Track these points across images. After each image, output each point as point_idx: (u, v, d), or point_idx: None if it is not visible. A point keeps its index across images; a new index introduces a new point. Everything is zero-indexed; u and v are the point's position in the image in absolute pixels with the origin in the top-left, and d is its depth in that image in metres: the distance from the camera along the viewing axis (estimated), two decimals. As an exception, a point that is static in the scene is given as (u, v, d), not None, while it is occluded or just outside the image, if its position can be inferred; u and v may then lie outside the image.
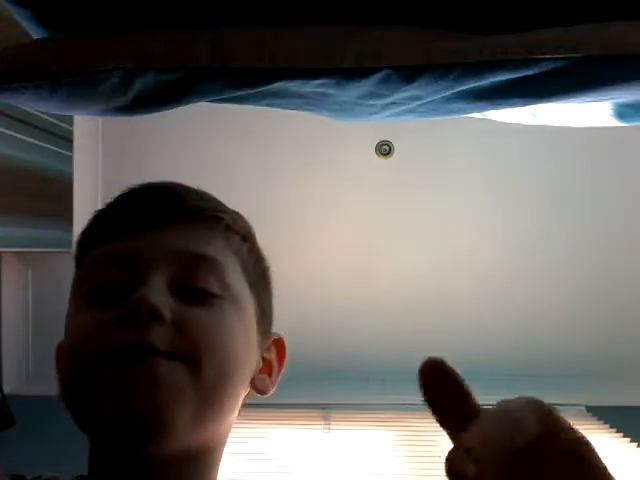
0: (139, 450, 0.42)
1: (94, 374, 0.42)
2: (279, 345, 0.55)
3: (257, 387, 0.51)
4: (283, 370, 0.55)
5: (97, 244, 0.48)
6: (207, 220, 0.50)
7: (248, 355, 0.49)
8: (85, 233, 0.52)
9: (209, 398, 0.43)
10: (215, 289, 0.46)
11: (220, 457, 0.49)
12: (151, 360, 0.41)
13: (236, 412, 0.49)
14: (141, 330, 0.41)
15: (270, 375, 0.53)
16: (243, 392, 0.49)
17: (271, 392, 0.53)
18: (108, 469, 0.46)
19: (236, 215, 0.54)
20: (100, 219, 0.51)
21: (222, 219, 0.51)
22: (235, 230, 0.52)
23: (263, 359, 0.52)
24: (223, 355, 0.45)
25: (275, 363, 0.54)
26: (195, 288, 0.46)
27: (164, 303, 0.43)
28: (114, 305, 0.44)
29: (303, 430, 2.08)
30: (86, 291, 0.47)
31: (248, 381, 0.49)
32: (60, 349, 0.53)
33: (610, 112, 0.86)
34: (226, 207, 0.54)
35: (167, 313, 0.43)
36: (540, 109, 0.91)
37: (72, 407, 0.45)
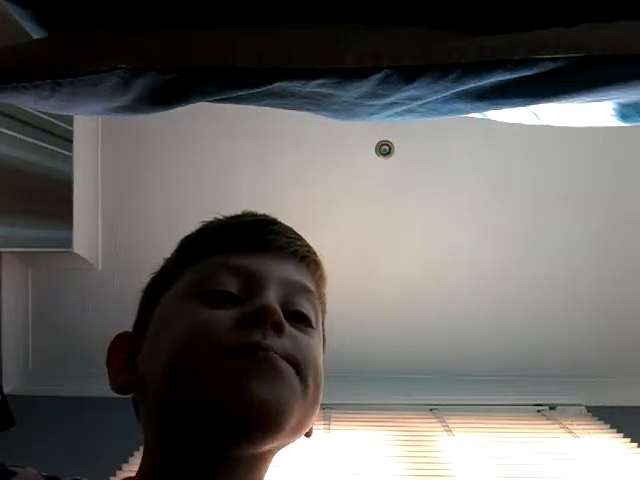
0: (237, 443, 0.44)
1: (214, 364, 0.44)
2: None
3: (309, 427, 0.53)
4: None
5: (216, 251, 0.53)
6: (310, 262, 0.57)
7: (322, 392, 0.52)
8: (199, 238, 0.57)
9: (308, 407, 0.47)
10: (312, 319, 0.52)
11: (265, 473, 0.51)
12: (273, 354, 0.44)
13: None
14: (262, 334, 0.45)
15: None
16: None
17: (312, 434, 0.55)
18: (168, 469, 0.47)
19: (316, 253, 0.60)
20: (217, 231, 0.56)
21: (319, 264, 0.58)
22: (324, 277, 0.59)
23: None
24: (319, 382, 0.49)
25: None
26: (299, 314, 0.50)
27: (283, 318, 0.47)
28: (228, 305, 0.48)
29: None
30: (202, 290, 0.50)
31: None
32: (121, 339, 0.54)
33: (610, 112, 0.86)
34: (310, 245, 0.60)
35: (286, 328, 0.47)
36: (540, 109, 0.91)
37: (170, 397, 0.46)
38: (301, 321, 0.50)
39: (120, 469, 1.75)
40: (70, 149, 2.25)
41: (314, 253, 0.58)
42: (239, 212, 0.58)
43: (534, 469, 1.84)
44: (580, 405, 2.33)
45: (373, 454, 1.93)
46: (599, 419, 2.23)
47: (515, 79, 0.66)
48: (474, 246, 2.58)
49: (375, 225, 2.58)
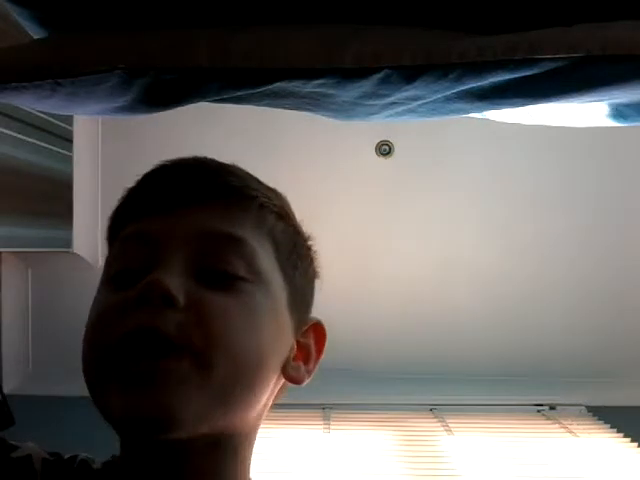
0: (151, 439, 0.41)
1: (102, 362, 0.40)
2: (318, 330, 0.52)
3: (290, 375, 0.48)
4: (322, 357, 0.52)
5: (125, 224, 0.47)
6: (239, 199, 0.47)
7: (277, 344, 0.46)
8: (115, 212, 0.50)
9: (220, 393, 0.41)
10: (242, 272, 0.43)
11: (249, 447, 0.48)
12: (157, 361, 0.39)
13: (264, 400, 0.47)
14: (151, 314, 0.39)
15: (306, 362, 0.50)
16: (268, 381, 0.46)
17: (307, 381, 0.50)
18: (134, 453, 0.45)
19: (270, 192, 0.51)
20: (129, 198, 0.49)
21: (255, 197, 0.48)
22: (269, 209, 0.48)
23: (299, 344, 0.49)
24: (244, 342, 0.42)
25: (313, 349, 0.51)
26: (219, 271, 0.43)
27: (180, 287, 0.40)
28: (129, 287, 0.41)
29: (303, 430, 2.08)
30: (107, 273, 0.45)
31: (277, 370, 0.46)
32: None
33: (610, 112, 0.86)
34: (260, 183, 0.51)
35: (181, 298, 0.40)
36: (540, 109, 0.91)
37: (90, 391, 0.44)
38: (226, 278, 0.43)
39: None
40: (70, 149, 2.25)
41: (247, 186, 0.48)
42: (157, 165, 0.51)
43: (534, 469, 1.84)
44: (580, 405, 2.33)
45: (373, 454, 1.93)
46: (599, 419, 2.23)
47: (515, 79, 0.66)
48: (474, 246, 2.57)
49: (375, 225, 2.58)
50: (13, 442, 0.49)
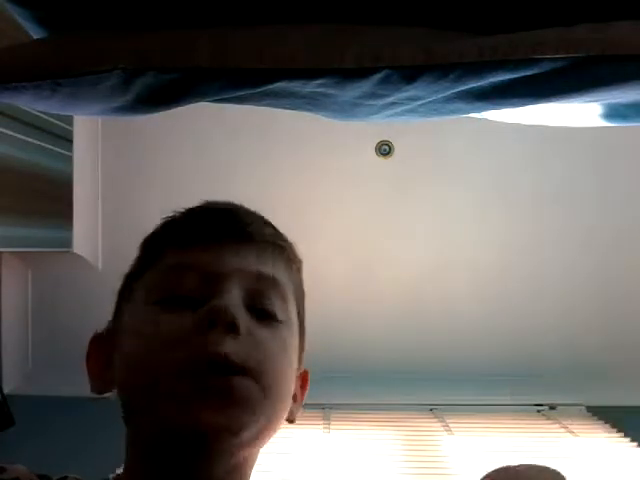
0: (200, 460, 0.43)
1: (170, 379, 0.42)
2: (304, 377, 0.57)
3: (289, 414, 0.52)
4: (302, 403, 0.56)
5: (171, 250, 0.50)
6: (275, 248, 0.52)
7: (293, 380, 0.51)
8: (157, 236, 0.53)
9: (270, 416, 0.45)
10: (279, 314, 0.49)
11: (251, 472, 0.50)
12: (229, 377, 0.42)
13: None
14: (218, 339, 0.43)
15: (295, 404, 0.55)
16: (285, 416, 0.51)
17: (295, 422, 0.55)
18: (149, 473, 0.46)
19: (293, 245, 0.56)
20: (176, 226, 0.52)
21: (285, 248, 0.54)
22: (293, 261, 0.54)
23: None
24: (281, 375, 0.47)
25: (299, 393, 0.55)
26: (265, 309, 0.48)
27: (241, 317, 0.45)
28: (186, 311, 0.45)
29: (303, 430, 2.08)
30: (159, 295, 0.47)
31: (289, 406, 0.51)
32: (98, 340, 0.53)
33: (610, 112, 0.86)
34: (286, 236, 0.56)
35: (243, 327, 0.44)
36: (540, 109, 0.91)
37: (134, 406, 0.45)
38: (267, 315, 0.48)
39: (121, 468, 1.75)
40: (70, 149, 2.25)
41: (281, 239, 0.54)
42: (199, 203, 0.55)
43: (534, 469, 1.83)
44: (580, 405, 2.33)
45: (373, 454, 1.93)
46: (599, 419, 2.23)
47: (515, 79, 0.66)
48: (474, 246, 2.58)
49: (375, 225, 2.58)
50: (1, 464, 0.49)
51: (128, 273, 0.54)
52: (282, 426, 0.50)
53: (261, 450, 0.50)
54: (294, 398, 0.53)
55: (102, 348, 0.51)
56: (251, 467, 0.49)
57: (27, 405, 2.14)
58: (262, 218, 0.54)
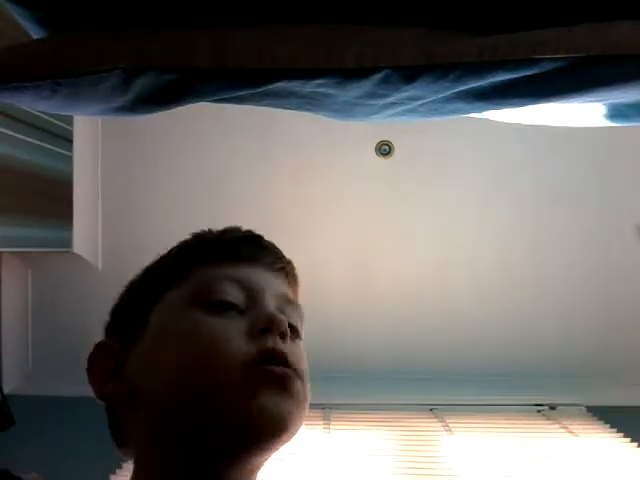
0: (249, 449, 0.47)
1: (235, 373, 0.46)
2: None
3: None
4: None
5: (211, 263, 0.55)
6: (294, 277, 0.61)
7: None
8: (192, 250, 0.58)
9: (303, 411, 0.51)
10: (300, 332, 0.56)
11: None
12: (288, 371, 0.48)
13: None
14: (276, 343, 0.49)
15: None
16: None
17: None
18: (167, 476, 0.47)
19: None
20: (213, 243, 0.58)
21: (298, 281, 0.62)
22: (298, 287, 0.62)
23: None
24: (307, 385, 0.52)
25: None
26: (291, 325, 0.53)
27: (287, 328, 0.51)
28: (234, 315, 0.50)
29: (303, 430, 2.08)
30: (206, 300, 0.51)
31: None
32: (104, 348, 0.53)
33: (610, 112, 0.86)
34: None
35: (290, 336, 0.51)
36: (540, 109, 0.91)
37: (181, 407, 0.46)
38: (292, 332, 0.53)
39: (120, 468, 1.75)
40: (70, 149, 2.25)
41: (292, 266, 0.62)
42: (226, 226, 0.61)
43: (534, 469, 1.83)
44: (580, 405, 2.33)
45: (373, 454, 1.93)
46: (599, 419, 2.23)
47: (515, 79, 0.66)
48: (474, 246, 2.58)
49: (375, 225, 2.58)
50: (17, 474, 0.50)
51: (150, 281, 0.57)
52: None
53: None
54: None
55: (112, 358, 0.51)
56: (259, 470, 0.52)
57: (27, 405, 2.14)
58: (279, 250, 0.62)
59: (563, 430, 2.13)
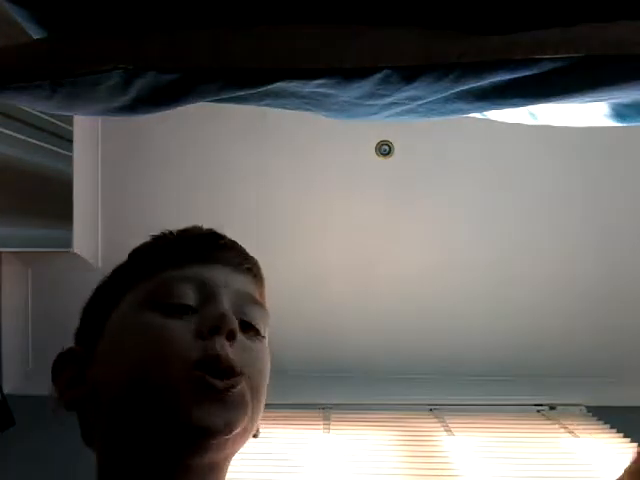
0: (191, 456, 0.46)
1: (184, 374, 0.46)
2: None
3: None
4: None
5: (168, 264, 0.55)
6: (256, 274, 0.59)
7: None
8: (152, 252, 0.58)
9: (254, 416, 0.50)
10: (261, 330, 0.54)
11: (227, 469, 0.53)
12: (230, 379, 0.47)
13: None
14: (222, 345, 0.47)
15: None
16: None
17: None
18: (125, 477, 0.48)
19: (260, 266, 0.62)
20: (171, 244, 0.58)
21: (262, 275, 0.60)
22: (264, 290, 0.60)
23: None
24: (263, 385, 0.51)
25: None
26: (249, 323, 0.53)
27: (237, 327, 0.49)
28: (186, 317, 0.50)
29: (303, 430, 2.08)
30: (160, 302, 0.51)
31: None
32: (68, 356, 0.54)
33: (610, 112, 0.86)
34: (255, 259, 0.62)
35: (239, 336, 0.50)
36: (540, 109, 0.91)
37: (135, 406, 0.47)
38: (251, 330, 0.53)
39: None
40: (70, 149, 2.25)
41: (258, 266, 0.60)
42: (187, 226, 0.61)
43: (534, 469, 1.83)
44: (580, 405, 2.33)
45: (373, 454, 1.93)
46: (599, 419, 2.22)
47: (515, 79, 0.66)
48: (474, 246, 2.58)
49: (375, 225, 2.58)
50: None
51: (109, 284, 0.58)
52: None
53: (251, 442, 0.53)
54: None
55: (76, 363, 0.53)
56: (226, 468, 0.52)
57: (27, 405, 2.13)
58: (243, 248, 0.61)
59: (563, 430, 2.13)
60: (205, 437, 0.45)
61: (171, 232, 0.60)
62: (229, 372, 0.47)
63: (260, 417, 0.52)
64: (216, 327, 0.48)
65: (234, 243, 0.60)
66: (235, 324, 0.49)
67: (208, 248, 0.57)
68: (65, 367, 0.54)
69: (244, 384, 0.48)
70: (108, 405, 0.48)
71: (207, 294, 0.52)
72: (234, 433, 0.46)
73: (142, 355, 0.48)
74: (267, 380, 0.53)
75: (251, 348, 0.51)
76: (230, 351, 0.48)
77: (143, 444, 0.47)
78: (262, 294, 0.59)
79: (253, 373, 0.49)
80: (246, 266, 0.58)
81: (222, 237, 0.60)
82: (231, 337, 0.48)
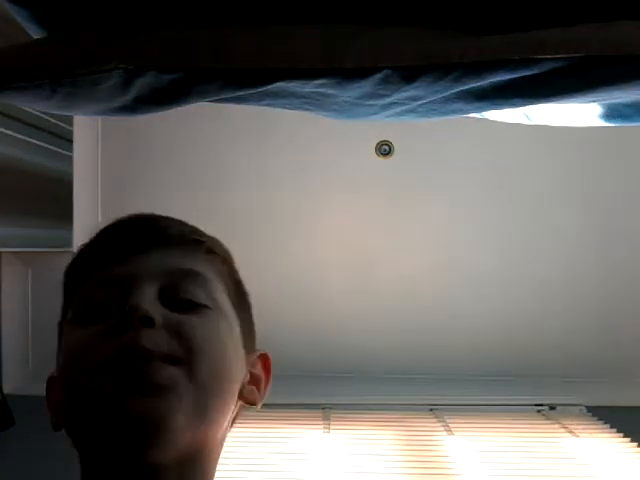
0: (139, 455, 0.43)
1: (95, 384, 0.43)
2: (265, 359, 0.58)
3: (247, 398, 0.53)
4: (270, 384, 0.57)
5: (87, 275, 0.51)
6: (189, 243, 0.54)
7: (236, 365, 0.51)
8: (73, 265, 0.56)
9: (203, 400, 0.45)
10: (202, 300, 0.49)
11: (214, 467, 0.50)
12: (149, 365, 0.43)
13: (228, 420, 0.51)
14: (134, 336, 0.43)
15: (258, 388, 0.55)
16: (233, 401, 0.50)
17: (260, 404, 0.55)
18: (104, 475, 0.46)
19: (215, 240, 0.57)
20: (87, 251, 0.55)
21: (203, 242, 0.55)
22: (215, 252, 0.55)
23: (250, 373, 0.55)
24: (214, 357, 0.47)
25: (262, 376, 0.57)
26: (183, 299, 0.48)
27: (155, 310, 0.45)
28: (102, 320, 0.46)
29: (303, 430, 2.08)
30: (76, 314, 0.50)
31: (237, 391, 0.51)
32: (52, 380, 0.54)
33: (610, 112, 0.86)
34: (205, 233, 0.57)
35: (158, 318, 0.45)
36: (539, 109, 0.91)
37: (74, 421, 0.46)
38: (190, 306, 0.48)
39: None
40: (70, 149, 2.25)
41: (196, 234, 0.55)
42: (105, 225, 0.56)
43: (534, 469, 1.83)
44: (580, 405, 2.33)
45: (373, 454, 1.93)
46: (599, 419, 2.22)
47: (515, 79, 0.66)
48: (474, 246, 2.58)
49: (375, 225, 2.58)
50: None
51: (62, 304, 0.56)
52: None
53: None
54: (254, 382, 0.54)
55: (57, 385, 0.52)
56: (210, 459, 0.49)
57: (27, 405, 2.13)
58: (172, 219, 0.56)
59: (563, 430, 2.13)
60: (144, 429, 0.42)
61: (88, 240, 0.56)
62: (146, 359, 0.43)
63: (229, 396, 0.49)
64: (125, 320, 0.44)
65: (158, 220, 0.55)
66: (143, 309, 0.44)
67: (123, 239, 0.52)
68: (51, 390, 0.54)
69: (171, 367, 0.43)
70: (67, 426, 0.48)
71: (124, 289, 0.47)
72: (172, 422, 0.42)
73: (63, 373, 0.47)
74: (225, 353, 0.49)
75: (187, 324, 0.46)
76: (149, 338, 0.43)
77: (98, 451, 0.45)
78: (211, 263, 0.54)
79: (191, 350, 0.45)
80: (172, 239, 0.53)
81: (142, 220, 0.55)
82: (147, 324, 0.44)
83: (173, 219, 0.56)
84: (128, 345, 0.43)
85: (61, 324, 0.54)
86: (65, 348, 0.49)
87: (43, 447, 1.98)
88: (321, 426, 2.12)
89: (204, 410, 0.45)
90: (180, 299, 0.48)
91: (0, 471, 1.70)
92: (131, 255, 0.51)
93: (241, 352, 0.53)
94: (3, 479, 1.68)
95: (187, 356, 0.45)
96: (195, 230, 0.56)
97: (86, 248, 0.55)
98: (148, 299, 0.46)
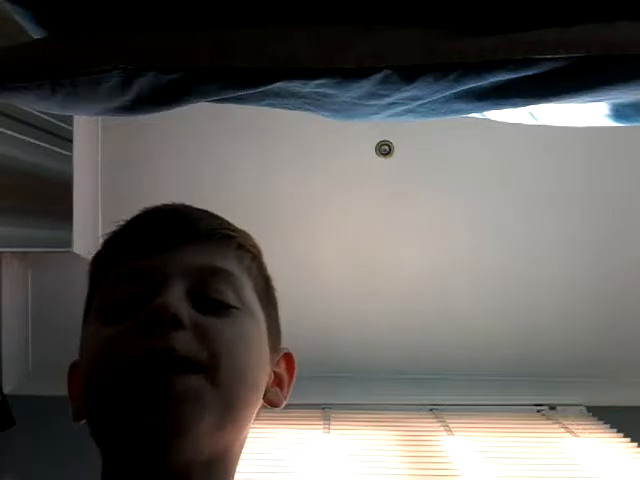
0: (161, 460, 0.43)
1: (120, 385, 0.42)
2: (288, 359, 0.58)
3: (270, 399, 0.53)
4: (294, 383, 0.57)
5: (114, 266, 0.50)
6: (220, 239, 0.52)
7: (261, 367, 0.50)
8: (101, 254, 0.54)
9: (228, 405, 0.44)
10: (231, 300, 0.48)
11: (235, 467, 0.50)
12: (174, 374, 0.42)
13: (251, 423, 0.50)
14: (163, 336, 0.43)
15: (281, 388, 0.55)
16: (258, 403, 0.50)
17: (283, 404, 0.54)
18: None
19: (246, 234, 0.56)
20: (116, 241, 0.53)
21: (234, 237, 0.53)
22: (246, 248, 0.54)
23: (274, 373, 0.54)
24: (240, 363, 0.46)
25: (285, 376, 0.56)
26: (211, 299, 0.47)
27: (184, 310, 0.44)
28: (132, 316, 0.45)
29: (303, 430, 2.08)
30: (102, 307, 0.48)
31: (262, 393, 0.51)
32: (74, 369, 0.53)
33: (610, 112, 0.86)
34: (236, 227, 0.56)
35: (187, 320, 0.44)
36: (540, 109, 0.91)
37: (96, 419, 0.46)
38: (218, 306, 0.47)
39: None
40: (70, 149, 2.25)
41: (227, 228, 0.54)
42: (137, 213, 0.55)
43: (534, 469, 1.83)
44: (580, 405, 2.33)
45: (373, 454, 1.93)
46: (599, 419, 2.22)
47: (515, 79, 0.66)
48: (474, 246, 2.57)
49: (375, 225, 2.58)
50: None
51: (86, 295, 0.55)
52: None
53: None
54: (278, 382, 0.54)
55: (78, 375, 0.51)
56: (233, 460, 0.49)
57: (27, 405, 2.13)
58: (207, 213, 0.55)
59: (563, 430, 2.13)
60: (162, 437, 0.41)
61: (121, 224, 0.54)
62: (176, 363, 0.42)
63: (254, 397, 0.48)
64: (153, 319, 0.43)
65: (190, 213, 0.54)
66: (173, 309, 0.43)
67: (153, 233, 0.51)
68: (72, 379, 0.53)
69: (195, 375, 0.43)
70: (88, 421, 0.47)
71: (153, 283, 0.46)
72: (195, 431, 0.42)
73: (88, 370, 0.46)
74: (249, 354, 0.48)
75: (214, 327, 0.45)
76: (179, 339, 0.42)
77: (121, 451, 0.45)
78: (241, 256, 0.52)
79: (219, 354, 0.44)
80: (202, 234, 0.51)
81: (173, 213, 0.54)
82: (176, 325, 0.43)
83: (204, 211, 0.55)
84: (155, 347, 0.42)
85: (87, 312, 0.52)
86: (89, 341, 0.48)
87: (43, 447, 1.99)
88: (321, 426, 2.12)
89: (229, 415, 0.45)
90: (208, 298, 0.47)
91: (0, 471, 1.70)
92: (161, 249, 0.49)
93: (266, 352, 0.52)
94: (3, 479, 1.68)
95: (212, 361, 0.44)
96: (226, 224, 0.55)
97: (115, 237, 0.54)
98: (178, 298, 0.45)
